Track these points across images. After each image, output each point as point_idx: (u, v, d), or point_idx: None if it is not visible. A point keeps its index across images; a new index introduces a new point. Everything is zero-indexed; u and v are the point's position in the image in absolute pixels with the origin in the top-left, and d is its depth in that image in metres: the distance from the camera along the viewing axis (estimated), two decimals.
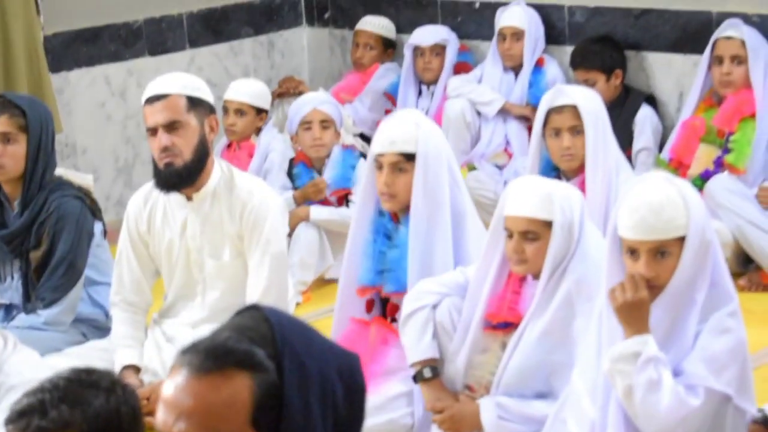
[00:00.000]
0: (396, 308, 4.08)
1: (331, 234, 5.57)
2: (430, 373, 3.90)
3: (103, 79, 6.56)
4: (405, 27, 6.91)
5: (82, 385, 2.01)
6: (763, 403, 3.45)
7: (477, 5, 6.75)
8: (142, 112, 4.23)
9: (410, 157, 4.09)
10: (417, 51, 6.64)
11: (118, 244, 4.44)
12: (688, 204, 3.26)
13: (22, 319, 4.47)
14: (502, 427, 3.75)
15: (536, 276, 3.74)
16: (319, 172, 5.75)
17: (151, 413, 2.11)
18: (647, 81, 6.20)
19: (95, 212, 4.61)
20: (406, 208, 4.14)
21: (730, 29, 5.60)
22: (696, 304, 3.28)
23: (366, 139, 6.66)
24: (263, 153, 5.93)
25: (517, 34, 6.31)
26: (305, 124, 5.71)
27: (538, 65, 6.35)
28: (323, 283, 5.58)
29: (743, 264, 5.36)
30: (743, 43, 5.52)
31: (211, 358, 1.80)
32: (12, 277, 4.58)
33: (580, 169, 4.55)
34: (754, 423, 3.32)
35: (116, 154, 6.65)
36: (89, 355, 4.41)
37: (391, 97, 6.79)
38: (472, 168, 6.21)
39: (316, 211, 5.58)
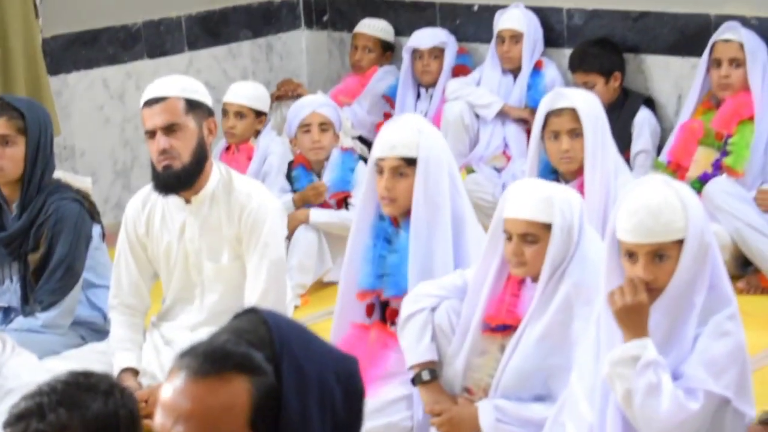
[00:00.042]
0: (395, 313, 4.08)
1: (330, 237, 5.57)
2: (428, 375, 3.90)
3: (102, 81, 6.57)
4: (403, 30, 6.92)
5: (80, 388, 2.01)
6: (762, 405, 3.45)
7: (475, 8, 6.75)
8: (141, 114, 4.23)
9: (411, 162, 4.09)
10: (415, 54, 6.64)
11: (116, 246, 4.43)
12: (687, 207, 3.26)
13: (20, 322, 4.47)
14: (500, 430, 3.75)
15: (535, 279, 3.75)
16: (318, 175, 5.75)
17: (150, 416, 2.11)
18: (646, 83, 6.20)
19: (93, 215, 4.61)
20: (406, 213, 4.14)
21: (729, 32, 5.60)
22: (695, 307, 3.28)
23: (364, 141, 6.67)
24: (262, 156, 5.93)
25: (516, 37, 6.32)
26: (304, 127, 5.72)
27: (537, 68, 6.35)
28: (322, 286, 5.58)
29: (742, 267, 5.36)
30: (741, 45, 5.53)
31: (209, 361, 1.80)
32: (11, 280, 4.58)
33: (579, 172, 4.55)
34: (760, 423, 3.32)
35: (114, 156, 6.65)
36: (87, 358, 4.40)
37: (389, 99, 6.79)
38: (470, 171, 6.21)
39: (316, 214, 5.58)
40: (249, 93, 6.05)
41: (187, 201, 4.28)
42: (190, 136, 4.15)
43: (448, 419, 3.84)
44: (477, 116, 6.38)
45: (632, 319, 3.23)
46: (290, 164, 5.84)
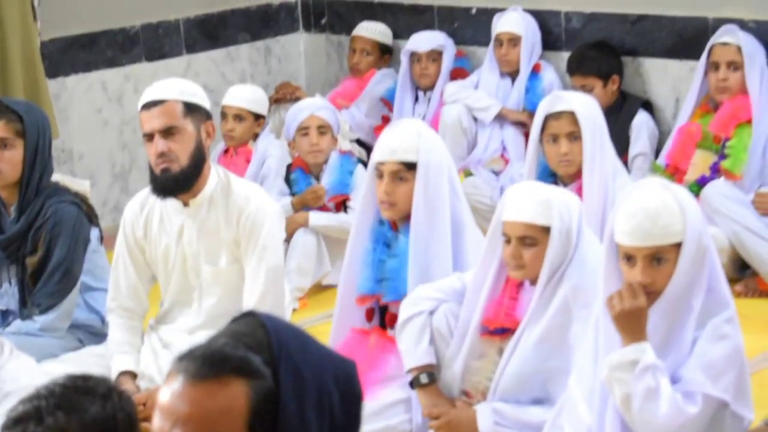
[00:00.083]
0: (395, 318, 4.08)
1: (329, 240, 5.57)
2: (426, 378, 3.91)
3: (100, 84, 6.57)
4: (402, 33, 6.92)
5: (78, 391, 2.00)
6: (760, 408, 3.45)
7: (474, 11, 6.76)
8: (139, 117, 4.23)
9: (411, 167, 4.09)
10: (414, 57, 6.65)
11: (114, 250, 4.44)
12: (685, 210, 3.26)
13: (18, 325, 4.47)
14: None
15: (533, 282, 3.75)
16: (317, 178, 5.75)
17: (148, 419, 2.11)
18: (644, 87, 6.21)
19: (92, 218, 4.60)
20: (405, 217, 4.14)
21: (727, 35, 5.60)
22: (693, 310, 3.28)
23: (363, 144, 6.67)
24: (260, 159, 5.93)
25: (514, 40, 6.32)
26: (302, 130, 5.72)
27: (535, 71, 6.35)
28: (320, 289, 5.58)
29: (740, 270, 5.36)
30: (739, 49, 5.53)
31: (207, 364, 1.80)
32: (9, 283, 4.57)
33: (578, 175, 4.56)
34: (766, 425, 3.33)
35: (113, 159, 6.65)
36: (85, 361, 4.40)
37: (387, 102, 6.79)
38: (468, 174, 6.22)
39: (315, 217, 5.58)
40: (248, 96, 6.05)
41: (185, 204, 4.28)
42: (188, 139, 4.15)
43: (446, 422, 3.83)
44: (475, 119, 6.38)
45: (631, 323, 3.23)
46: (289, 167, 5.85)
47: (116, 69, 6.60)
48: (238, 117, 5.99)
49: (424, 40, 6.64)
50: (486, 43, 6.50)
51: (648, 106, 6.10)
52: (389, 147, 4.13)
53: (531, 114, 5.84)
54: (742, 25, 5.70)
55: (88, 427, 1.99)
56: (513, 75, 6.39)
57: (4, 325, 4.52)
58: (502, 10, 6.45)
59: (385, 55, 6.97)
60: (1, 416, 2.05)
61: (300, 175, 5.77)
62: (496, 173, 6.27)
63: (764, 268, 5.26)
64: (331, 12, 7.34)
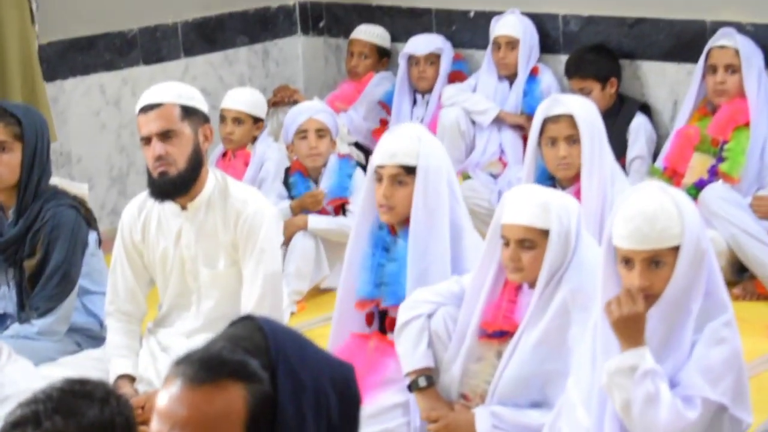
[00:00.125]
0: (394, 322, 4.08)
1: (328, 244, 5.57)
2: (425, 382, 3.91)
3: (98, 87, 6.57)
4: (400, 36, 6.92)
5: (76, 395, 2.00)
6: (758, 412, 3.45)
7: (472, 14, 6.76)
8: (136, 121, 4.23)
9: (410, 170, 4.10)
10: (412, 60, 6.65)
11: (112, 253, 4.43)
12: (683, 213, 3.26)
13: (15, 328, 4.47)
14: None
15: (532, 284, 3.75)
16: (315, 181, 5.75)
17: (146, 422, 2.11)
18: (641, 90, 6.21)
19: (90, 222, 4.60)
20: (403, 221, 4.14)
21: (724, 38, 5.61)
22: (691, 313, 3.28)
23: (361, 148, 6.67)
24: (258, 162, 5.94)
25: (512, 43, 6.32)
26: (301, 133, 5.72)
27: (533, 74, 6.36)
28: (318, 292, 5.58)
29: (738, 273, 5.36)
30: (737, 52, 5.53)
31: (205, 368, 1.80)
32: (7, 287, 4.57)
33: (576, 178, 4.56)
34: None
35: (111, 163, 6.65)
36: (83, 364, 4.40)
37: (385, 106, 6.79)
38: (466, 177, 6.22)
39: (314, 221, 5.58)
40: (247, 99, 6.05)
41: (183, 207, 4.28)
42: (186, 143, 4.15)
43: (444, 426, 3.84)
44: (473, 122, 6.38)
45: (629, 328, 3.23)
46: (287, 170, 5.84)
47: (114, 72, 6.60)
48: (237, 120, 5.99)
49: (422, 44, 6.64)
50: (484, 47, 6.51)
51: (646, 109, 6.10)
52: (389, 151, 4.13)
53: (529, 117, 5.84)
54: (740, 28, 5.70)
55: (86, 431, 1.99)
56: (511, 78, 6.40)
57: (2, 329, 4.52)
58: (500, 13, 6.45)
59: (383, 58, 6.97)
60: (0, 420, 2.05)
61: (299, 178, 5.77)
62: (494, 176, 6.27)
63: (762, 271, 5.26)
64: (329, 15, 7.34)
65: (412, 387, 3.92)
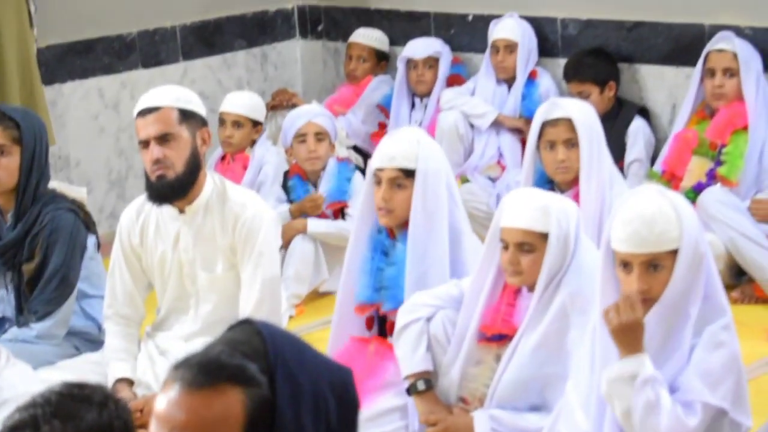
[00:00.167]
0: (394, 326, 4.08)
1: (327, 248, 5.56)
2: (423, 385, 3.90)
3: (97, 91, 6.57)
4: (398, 39, 6.92)
5: (74, 399, 2.00)
6: (757, 415, 3.45)
7: (470, 18, 6.76)
8: (135, 124, 4.23)
9: (409, 174, 4.10)
10: (410, 63, 6.65)
11: (110, 257, 4.43)
12: (681, 217, 3.26)
13: (14, 332, 4.47)
14: None
15: (531, 288, 3.75)
16: (314, 185, 5.75)
17: (145, 426, 2.11)
18: (640, 93, 6.21)
19: (89, 225, 4.60)
20: (402, 225, 4.14)
21: (722, 42, 5.61)
22: (690, 317, 3.28)
23: (359, 151, 6.67)
24: (257, 165, 5.94)
25: (510, 47, 6.33)
26: (300, 137, 5.71)
27: (531, 77, 6.36)
28: (317, 296, 5.58)
29: (736, 276, 5.36)
30: (735, 55, 5.53)
31: (203, 373, 1.80)
32: (5, 290, 4.57)
33: (575, 182, 4.56)
34: None
35: (109, 166, 6.65)
36: (82, 368, 4.40)
37: (384, 109, 6.79)
38: (465, 180, 6.22)
39: (314, 224, 5.58)
40: (246, 102, 6.06)
41: (181, 211, 4.28)
42: (184, 146, 4.15)
43: (443, 429, 3.84)
44: (471, 126, 6.38)
45: (628, 336, 3.23)
46: (286, 174, 5.84)
47: (113, 76, 6.60)
48: (237, 124, 5.99)
49: (420, 47, 6.64)
50: (482, 50, 6.51)
51: (644, 112, 6.11)
52: (388, 154, 4.14)
53: (527, 121, 5.85)
54: (738, 31, 5.70)
55: None
56: (509, 82, 6.40)
57: (1, 332, 4.52)
58: (498, 16, 6.45)
59: (382, 61, 6.97)
60: None
61: (297, 182, 5.77)
62: (493, 180, 6.27)
63: (761, 275, 5.26)
64: (327, 19, 7.35)
65: (411, 390, 3.92)
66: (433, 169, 4.11)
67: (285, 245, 5.49)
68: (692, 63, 5.76)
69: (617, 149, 5.61)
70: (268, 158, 5.94)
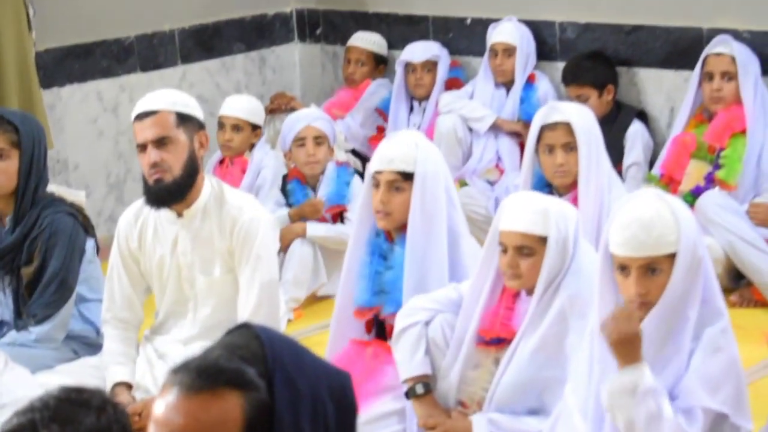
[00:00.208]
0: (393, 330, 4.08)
1: (326, 252, 5.56)
2: (422, 389, 3.90)
3: (95, 95, 6.56)
4: (396, 43, 6.93)
5: (72, 403, 2.00)
6: (756, 418, 3.45)
7: (468, 21, 6.76)
8: (133, 128, 4.23)
9: (407, 177, 4.10)
10: (408, 67, 6.65)
11: (109, 260, 4.43)
12: (679, 221, 3.26)
13: (12, 336, 4.46)
14: None
15: (530, 291, 3.75)
16: (313, 189, 5.75)
17: (143, 430, 2.10)
18: (638, 97, 6.21)
19: (88, 229, 4.60)
20: (400, 228, 4.14)
21: (721, 45, 5.61)
22: (688, 320, 3.28)
23: (357, 155, 6.67)
24: (256, 169, 5.94)
25: (509, 50, 6.33)
26: (299, 141, 5.71)
27: (530, 81, 6.36)
28: (315, 300, 5.58)
29: (734, 280, 5.36)
30: (733, 59, 5.54)
31: (202, 377, 1.80)
32: (3, 294, 4.57)
33: (573, 186, 4.56)
34: None
35: (108, 169, 6.65)
36: (80, 372, 4.40)
37: (382, 113, 6.80)
38: (463, 184, 6.22)
39: (313, 228, 5.58)
40: (245, 106, 6.06)
41: (179, 214, 4.28)
42: (181, 150, 4.16)
43: None
44: (470, 129, 6.38)
45: (626, 347, 3.22)
46: (285, 178, 5.84)
47: (111, 79, 6.60)
48: (236, 127, 6.00)
49: (418, 51, 6.64)
50: (481, 54, 6.51)
51: (643, 116, 6.11)
52: (387, 156, 4.14)
53: (526, 124, 5.86)
54: (736, 35, 5.71)
55: None
56: (508, 85, 6.40)
57: None
58: (496, 20, 6.46)
59: (380, 65, 6.97)
60: None
61: (296, 185, 5.77)
62: (491, 183, 6.27)
63: (759, 278, 5.26)
64: (325, 22, 7.35)
65: (410, 394, 3.92)
66: (432, 172, 4.11)
67: (284, 249, 5.50)
68: (690, 66, 5.76)
69: (615, 153, 5.61)
70: (267, 162, 5.94)
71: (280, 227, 5.51)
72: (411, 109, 6.72)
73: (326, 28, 7.34)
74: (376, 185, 4.15)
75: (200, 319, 4.34)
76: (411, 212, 4.08)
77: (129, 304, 4.40)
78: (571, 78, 6.09)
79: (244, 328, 1.88)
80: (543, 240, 3.68)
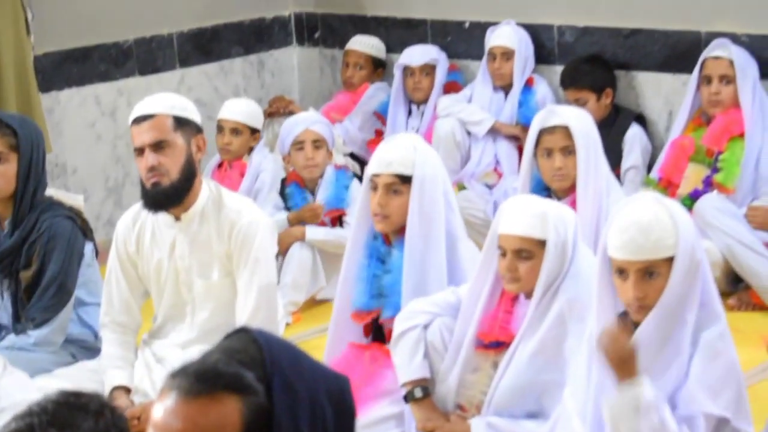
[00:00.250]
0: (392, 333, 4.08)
1: (325, 255, 5.56)
2: (421, 393, 3.90)
3: (94, 98, 6.56)
4: (395, 47, 6.93)
5: (70, 408, 2.00)
6: (755, 421, 3.46)
7: (467, 25, 6.77)
8: (130, 132, 4.23)
9: (405, 180, 4.10)
10: (407, 71, 6.65)
11: (107, 264, 4.43)
12: (677, 224, 3.26)
13: (11, 339, 4.46)
14: None
15: (529, 295, 3.75)
16: (312, 192, 5.75)
17: None
18: (637, 100, 6.22)
19: (86, 232, 4.60)
20: (398, 231, 4.14)
21: (719, 49, 5.62)
22: (687, 323, 3.28)
23: (356, 158, 6.67)
24: (254, 173, 5.94)
25: (507, 54, 6.33)
26: (297, 144, 5.71)
27: (528, 85, 6.36)
28: (314, 303, 5.57)
29: (733, 283, 5.36)
30: (731, 62, 5.54)
31: (200, 381, 1.80)
32: (1, 298, 4.57)
33: (572, 189, 4.56)
34: None
35: (106, 173, 6.65)
36: (79, 376, 4.40)
37: (381, 116, 6.80)
38: (461, 187, 6.22)
39: (312, 231, 5.58)
40: (244, 110, 6.06)
41: (177, 218, 4.27)
42: (179, 153, 4.15)
43: None
44: (468, 133, 6.38)
45: (622, 365, 3.23)
46: (283, 181, 5.84)
47: (109, 83, 6.60)
48: (235, 131, 6.00)
49: (417, 54, 6.64)
50: (479, 57, 6.51)
51: (641, 119, 6.11)
52: (385, 159, 4.14)
53: (524, 128, 5.86)
54: (735, 38, 5.71)
55: None
56: (506, 89, 6.40)
57: None
58: (495, 23, 6.46)
59: (379, 68, 6.97)
60: None
61: (295, 189, 5.76)
62: (490, 187, 6.27)
63: (757, 282, 5.26)
64: (324, 26, 7.35)
65: (408, 398, 3.92)
66: (430, 176, 4.12)
67: (283, 252, 5.49)
68: (689, 70, 5.77)
69: (614, 156, 5.61)
70: (265, 165, 5.94)
71: (279, 231, 5.51)
72: (409, 112, 6.72)
73: (325, 32, 7.35)
74: (374, 188, 4.15)
75: (198, 322, 4.34)
76: (409, 215, 4.08)
77: (127, 307, 4.39)
78: (569, 81, 6.09)
79: (243, 332, 1.88)
80: (542, 243, 3.68)
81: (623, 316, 3.38)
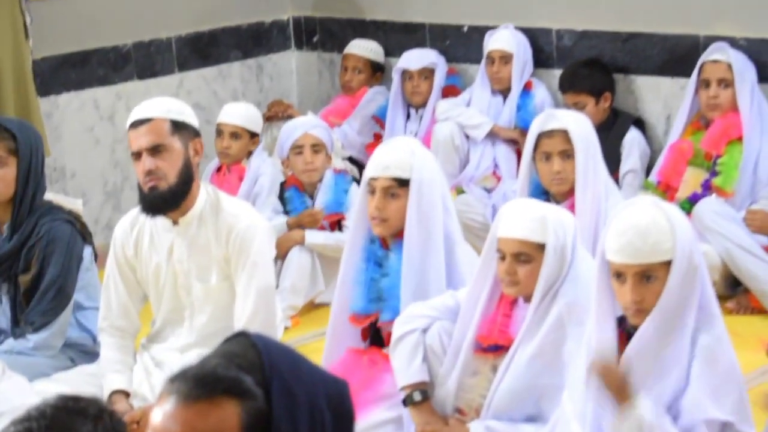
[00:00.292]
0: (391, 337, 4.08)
1: (324, 259, 5.56)
2: (419, 396, 3.90)
3: (92, 103, 6.57)
4: (393, 50, 6.93)
5: (69, 412, 2.00)
6: (756, 425, 3.45)
7: (465, 29, 6.77)
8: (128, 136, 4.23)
9: (403, 183, 4.10)
10: (405, 74, 6.66)
11: (105, 268, 4.43)
12: (675, 228, 3.27)
13: (10, 344, 4.46)
14: None
15: (528, 298, 3.75)
16: (311, 197, 5.75)
17: None
18: (635, 104, 6.22)
19: (85, 236, 4.60)
20: (395, 235, 4.14)
21: (717, 53, 5.62)
22: (686, 327, 3.29)
23: (355, 162, 6.67)
24: (253, 177, 5.94)
25: (506, 58, 6.33)
26: (296, 149, 5.71)
27: (527, 88, 6.37)
28: (312, 307, 5.57)
29: (731, 287, 5.36)
30: (730, 66, 5.54)
31: (199, 385, 1.80)
32: (1, 301, 4.56)
33: (570, 193, 4.56)
34: None
35: (105, 177, 6.65)
36: (77, 380, 4.39)
37: (379, 120, 6.80)
38: (460, 191, 6.22)
39: (312, 236, 5.58)
40: (243, 114, 6.06)
41: (175, 222, 4.27)
42: (176, 157, 4.15)
43: None
44: (467, 137, 6.38)
45: (620, 390, 3.25)
46: (282, 185, 5.84)
47: (108, 87, 6.60)
48: (234, 135, 6.00)
49: (415, 58, 6.65)
50: (478, 61, 6.51)
51: (639, 123, 6.11)
52: (382, 163, 4.14)
53: (523, 131, 5.86)
54: (733, 42, 5.71)
55: None
56: (505, 92, 6.40)
57: None
58: (493, 27, 6.46)
59: (377, 72, 6.97)
60: None
61: (294, 193, 5.77)
62: (488, 191, 6.27)
63: (756, 285, 5.26)
64: (322, 30, 7.35)
65: (407, 401, 3.92)
66: (428, 179, 4.12)
67: (282, 257, 5.49)
68: (687, 74, 5.77)
69: (612, 160, 5.61)
70: (264, 169, 5.94)
71: (278, 235, 5.51)
72: (408, 116, 6.72)
73: (323, 36, 7.35)
74: (372, 192, 4.15)
75: (197, 326, 4.34)
76: (407, 219, 4.08)
77: (125, 312, 4.39)
78: (568, 85, 6.09)
79: (242, 336, 1.88)
80: (541, 247, 3.68)
81: (621, 319, 3.38)
